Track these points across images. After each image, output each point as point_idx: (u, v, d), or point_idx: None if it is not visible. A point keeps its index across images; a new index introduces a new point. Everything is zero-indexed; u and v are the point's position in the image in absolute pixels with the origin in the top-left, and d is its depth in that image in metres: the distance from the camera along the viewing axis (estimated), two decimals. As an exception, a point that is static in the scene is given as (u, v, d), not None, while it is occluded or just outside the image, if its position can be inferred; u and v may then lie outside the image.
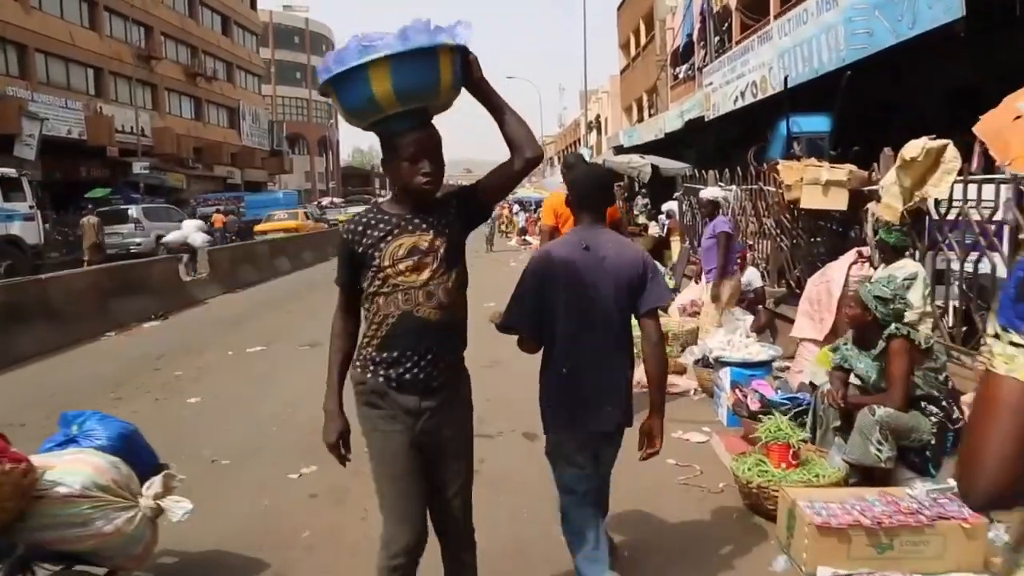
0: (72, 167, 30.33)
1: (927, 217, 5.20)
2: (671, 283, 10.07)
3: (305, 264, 19.52)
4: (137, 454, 3.16)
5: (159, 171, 36.28)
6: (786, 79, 9.34)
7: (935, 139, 4.90)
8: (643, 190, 16.93)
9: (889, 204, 5.22)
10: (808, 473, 3.65)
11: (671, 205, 16.41)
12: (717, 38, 21.46)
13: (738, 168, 8.80)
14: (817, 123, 8.86)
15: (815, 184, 6.05)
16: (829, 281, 5.79)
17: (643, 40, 33.46)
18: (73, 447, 3.02)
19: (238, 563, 3.49)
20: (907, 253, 5.09)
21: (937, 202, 5.02)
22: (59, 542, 2.64)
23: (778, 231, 7.82)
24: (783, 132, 8.99)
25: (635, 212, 18.45)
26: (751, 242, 8.74)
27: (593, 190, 2.93)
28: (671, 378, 6.48)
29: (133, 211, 22.14)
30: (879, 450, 3.57)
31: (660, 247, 15.37)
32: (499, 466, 4.52)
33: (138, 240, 21.56)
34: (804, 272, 7.30)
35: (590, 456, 2.82)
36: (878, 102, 11.66)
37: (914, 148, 4.85)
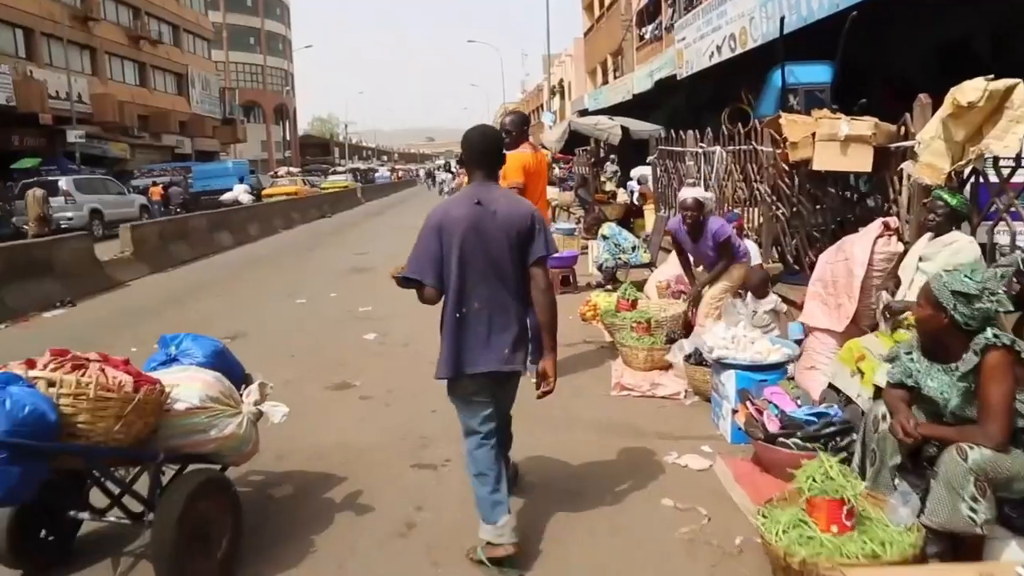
0: (3, 136, 28.21)
1: (980, 179, 4.15)
2: (645, 256, 8.99)
3: (250, 238, 18.11)
4: (230, 367, 3.55)
5: (100, 140, 34.16)
6: (782, 21, 8.20)
7: (993, 79, 3.84)
8: (612, 156, 15.79)
9: (931, 163, 4.15)
10: (870, 540, 2.59)
11: (642, 170, 15.33)
12: (687, -7, 20.32)
13: (723, 127, 7.71)
14: (817, 73, 7.75)
15: (831, 140, 4.96)
16: (849, 259, 4.72)
17: (607, 0, 32.15)
18: (176, 365, 3.39)
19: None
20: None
21: (997, 160, 3.97)
22: (189, 447, 3.11)
23: (773, 197, 6.75)
24: (777, 84, 7.88)
25: (602, 179, 17.33)
26: (739, 210, 7.68)
27: (484, 150, 3.15)
28: (656, 376, 5.46)
29: (63, 183, 20.34)
30: (973, 510, 2.53)
31: (630, 215, 14.30)
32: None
33: (69, 214, 19.83)
34: (803, 245, 6.28)
35: (488, 396, 3.08)
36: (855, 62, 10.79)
37: (973, 91, 3.78)
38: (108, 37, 37.71)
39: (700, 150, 8.32)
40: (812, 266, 5.30)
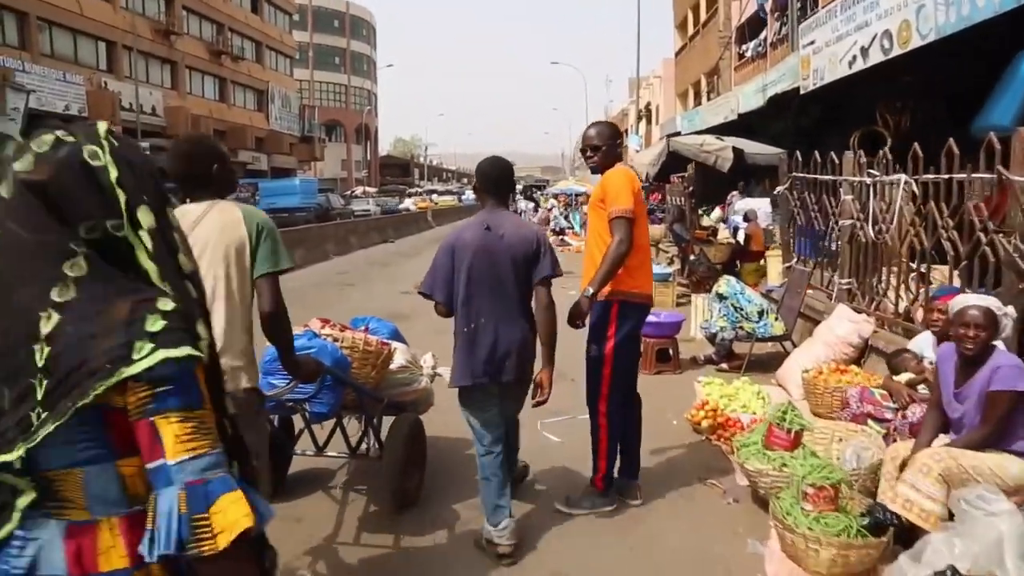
0: (75, 148, 27.67)
1: None
2: (777, 326, 6.50)
3: (323, 256, 16.68)
4: (403, 340, 4.30)
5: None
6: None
7: None
8: (742, 184, 13.18)
9: None
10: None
11: (751, 203, 12.80)
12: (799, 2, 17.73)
13: (914, 149, 5.17)
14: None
15: None
16: None
17: (703, 16, 29.78)
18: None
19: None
20: None
21: None
22: (398, 396, 3.98)
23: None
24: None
25: (699, 212, 14.77)
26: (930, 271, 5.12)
27: (496, 180, 3.48)
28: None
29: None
30: None
31: (737, 259, 11.74)
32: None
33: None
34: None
35: (494, 405, 3.42)
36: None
37: None
38: (189, 51, 37.45)
39: (869, 180, 5.78)
40: None
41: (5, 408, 1.15)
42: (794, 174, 7.54)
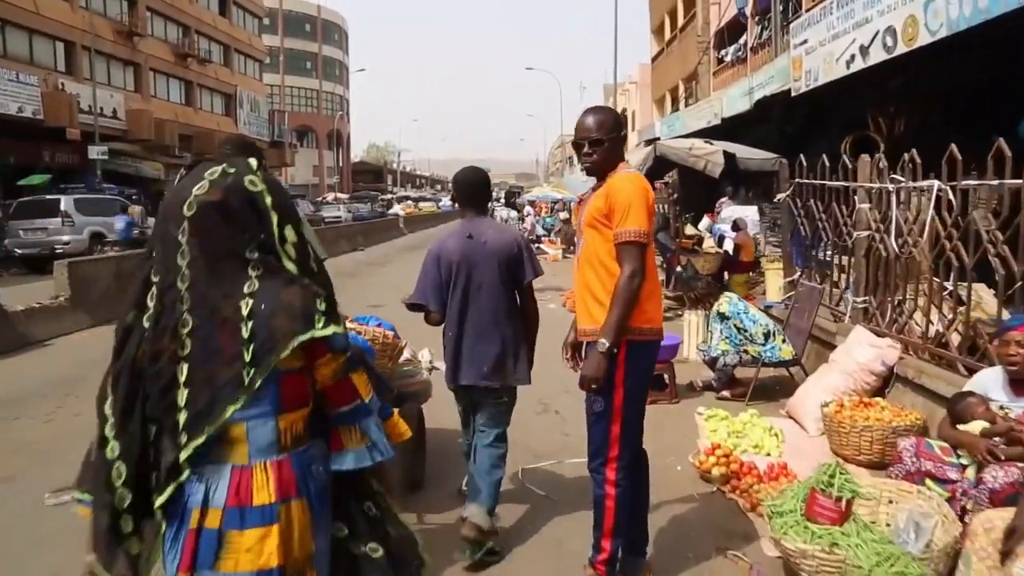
0: (32, 151, 26.41)
1: None
2: (786, 350, 5.81)
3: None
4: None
5: (136, 158, 32.40)
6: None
7: None
8: (728, 188, 12.51)
9: None
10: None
11: (738, 211, 12.21)
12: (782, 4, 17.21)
13: (951, 151, 4.51)
14: None
15: None
16: None
17: (681, 21, 29.33)
18: None
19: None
20: None
21: None
22: (404, 386, 4.10)
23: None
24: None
25: (682, 219, 14.14)
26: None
27: (474, 190, 3.62)
28: None
29: (63, 203, 18.03)
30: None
31: (725, 270, 11.10)
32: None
33: (65, 238, 17.47)
34: None
35: (469, 406, 3.62)
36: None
37: None
38: (153, 53, 36.23)
39: (891, 187, 5.11)
40: None
41: (217, 372, 1.57)
42: (798, 180, 6.87)
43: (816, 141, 12.89)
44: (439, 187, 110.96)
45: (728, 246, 11.66)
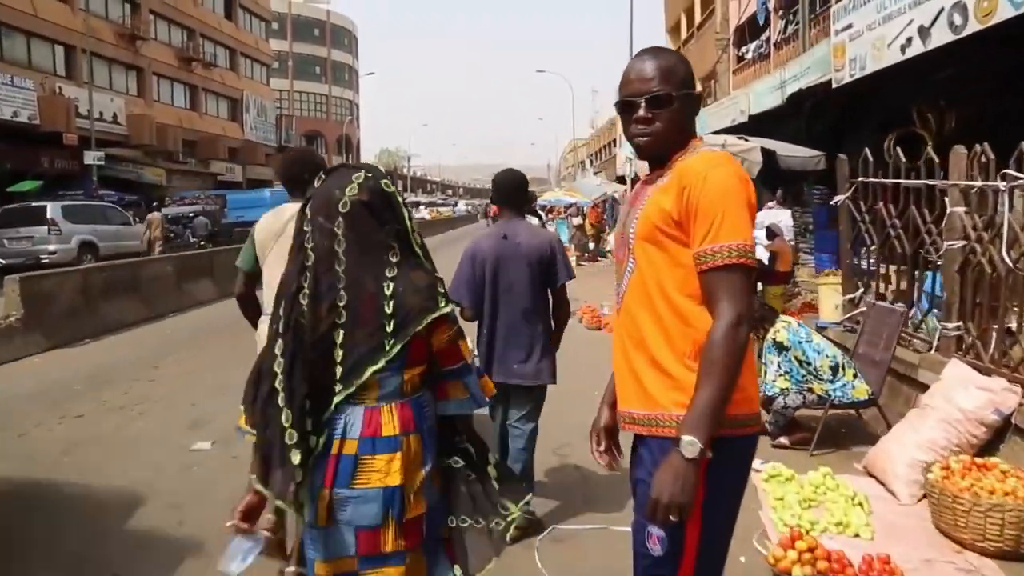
0: (30, 156, 25.59)
1: None
2: (860, 388, 4.70)
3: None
4: None
5: (137, 164, 31.57)
6: None
7: None
8: (780, 192, 11.32)
9: None
10: None
11: (773, 215, 11.07)
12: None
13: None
14: None
15: None
16: None
17: (698, 18, 28.24)
18: None
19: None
20: None
21: None
22: None
23: None
24: None
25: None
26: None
27: (511, 192, 3.72)
28: None
29: (50, 210, 17.09)
30: None
31: (759, 280, 9.95)
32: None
33: (52, 248, 16.50)
34: None
35: (501, 401, 3.66)
36: None
37: None
38: (157, 57, 35.47)
39: (1003, 185, 4.00)
40: None
41: (364, 339, 1.91)
42: (862, 179, 5.74)
43: (848, 140, 11.80)
44: (449, 192, 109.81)
45: (760, 253, 10.52)
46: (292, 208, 3.12)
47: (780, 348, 4.74)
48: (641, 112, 1.80)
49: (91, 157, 24.89)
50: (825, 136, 12.36)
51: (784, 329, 4.77)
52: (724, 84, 25.08)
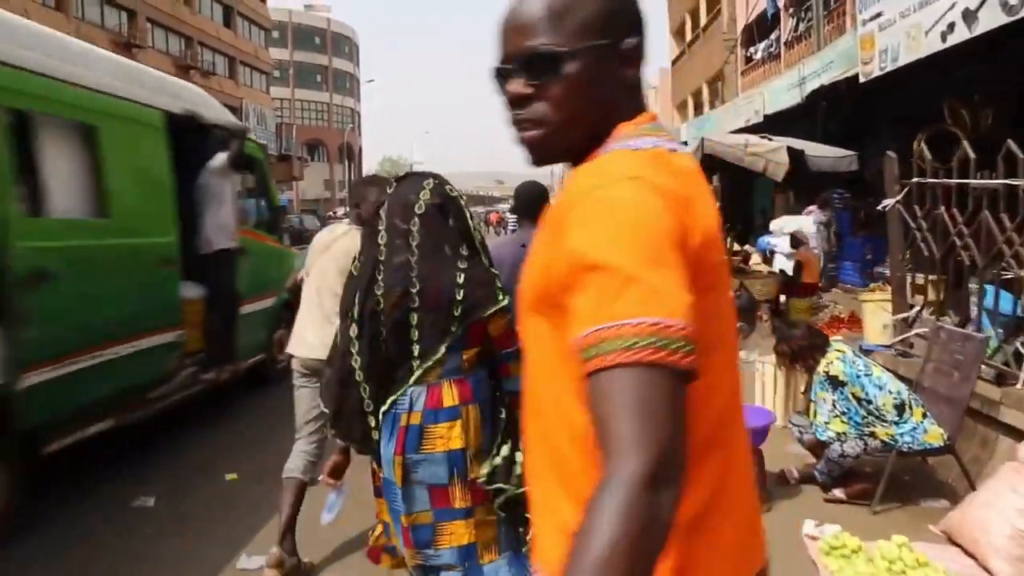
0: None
1: None
2: (932, 432, 3.88)
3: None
4: None
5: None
6: None
7: None
8: (823, 196, 10.49)
9: None
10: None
11: (795, 221, 10.33)
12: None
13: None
14: None
15: None
16: None
17: (704, 19, 27.54)
18: None
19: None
20: None
21: None
22: None
23: None
24: None
25: (730, 232, 12.19)
26: None
27: (531, 200, 3.82)
28: None
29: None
30: None
31: (782, 293, 9.23)
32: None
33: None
34: None
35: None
36: None
37: None
38: (155, 65, 34.77)
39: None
40: None
41: (434, 323, 2.22)
42: (917, 180, 4.94)
43: (866, 139, 11.03)
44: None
45: (782, 263, 9.74)
46: (342, 227, 3.56)
47: (835, 384, 3.94)
48: (514, 85, 1.03)
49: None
50: (839, 135, 11.60)
51: (838, 360, 3.97)
52: (732, 86, 24.37)
